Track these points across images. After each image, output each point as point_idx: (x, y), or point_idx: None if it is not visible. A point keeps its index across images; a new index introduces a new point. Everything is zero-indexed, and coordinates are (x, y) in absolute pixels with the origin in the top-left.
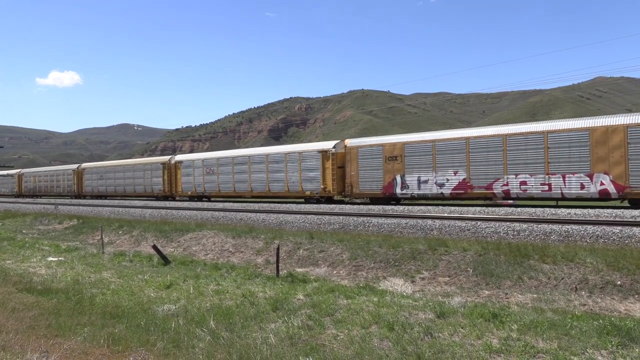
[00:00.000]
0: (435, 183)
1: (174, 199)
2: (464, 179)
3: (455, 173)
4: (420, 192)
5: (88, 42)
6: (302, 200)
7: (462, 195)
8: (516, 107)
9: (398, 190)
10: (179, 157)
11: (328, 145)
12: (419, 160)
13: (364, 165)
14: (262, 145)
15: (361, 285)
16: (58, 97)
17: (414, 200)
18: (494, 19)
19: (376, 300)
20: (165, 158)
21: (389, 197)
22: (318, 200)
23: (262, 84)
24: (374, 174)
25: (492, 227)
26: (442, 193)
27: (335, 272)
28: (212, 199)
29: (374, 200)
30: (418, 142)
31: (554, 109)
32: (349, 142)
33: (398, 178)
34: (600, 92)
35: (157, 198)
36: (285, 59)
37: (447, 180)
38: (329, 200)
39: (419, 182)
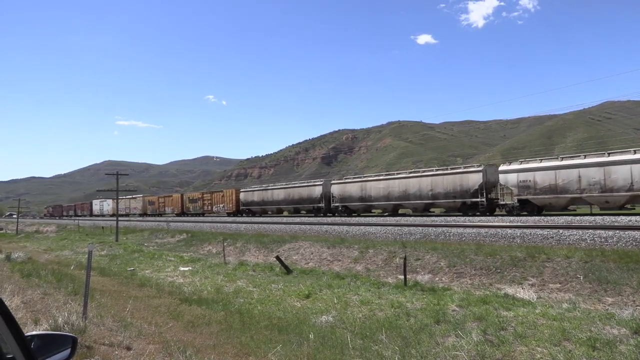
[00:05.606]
0: None
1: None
2: None
3: None
4: None
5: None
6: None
7: None
8: (534, 130)
9: None
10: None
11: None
12: None
13: None
14: (316, 170)
15: (489, 293)
16: (150, 135)
17: None
18: (504, 53)
19: (538, 312)
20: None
21: None
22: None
23: (315, 118)
24: None
25: (576, 235)
26: None
27: (437, 278)
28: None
29: None
30: None
31: (568, 131)
32: None
33: None
34: (610, 114)
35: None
36: (333, 96)
37: None
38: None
39: None
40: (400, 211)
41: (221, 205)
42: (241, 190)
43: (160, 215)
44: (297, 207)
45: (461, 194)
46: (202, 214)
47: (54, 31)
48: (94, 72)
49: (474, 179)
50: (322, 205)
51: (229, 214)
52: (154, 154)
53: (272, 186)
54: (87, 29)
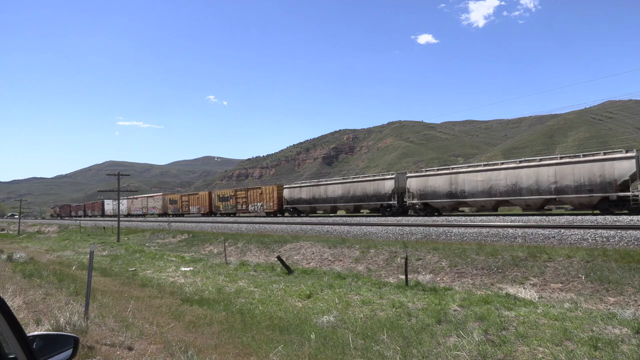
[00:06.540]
0: None
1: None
2: None
3: None
4: None
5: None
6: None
7: None
8: (535, 129)
9: None
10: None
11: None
12: None
13: None
14: (317, 170)
15: (491, 293)
16: (151, 135)
17: None
18: (504, 52)
19: (540, 312)
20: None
21: None
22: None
23: (316, 118)
24: None
25: (578, 235)
26: None
27: (438, 278)
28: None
29: None
30: None
31: (569, 131)
32: None
33: None
34: (611, 113)
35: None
36: (333, 96)
37: None
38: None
39: None
40: (500, 209)
41: (259, 204)
42: (285, 186)
43: (183, 215)
44: (359, 205)
45: (601, 188)
46: (235, 214)
47: (54, 31)
48: (95, 72)
49: (623, 168)
50: (393, 202)
51: (268, 214)
52: (155, 155)
53: (324, 181)
54: (87, 29)
